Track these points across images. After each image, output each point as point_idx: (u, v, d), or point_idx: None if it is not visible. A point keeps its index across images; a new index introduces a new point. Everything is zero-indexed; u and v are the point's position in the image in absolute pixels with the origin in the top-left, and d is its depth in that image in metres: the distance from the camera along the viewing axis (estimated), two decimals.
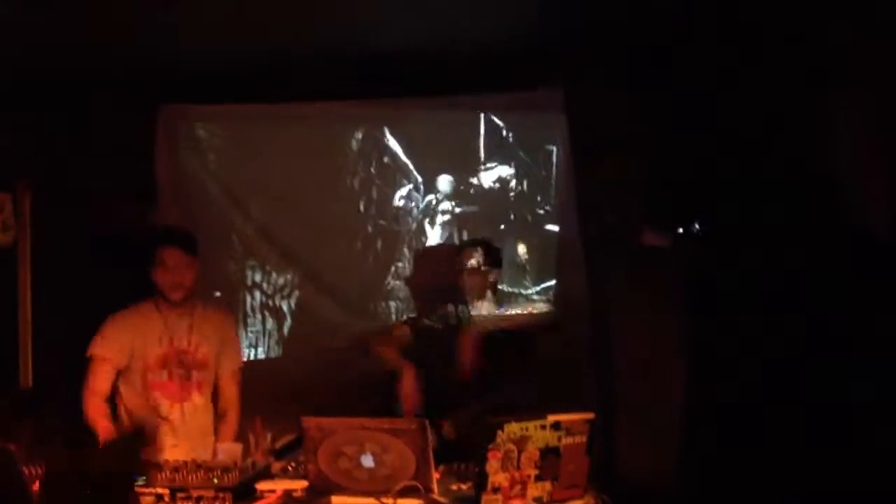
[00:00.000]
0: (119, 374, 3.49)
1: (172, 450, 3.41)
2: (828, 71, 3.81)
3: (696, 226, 4.00)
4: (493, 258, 4.07)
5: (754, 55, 3.91)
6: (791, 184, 3.81)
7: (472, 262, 4.00)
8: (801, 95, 3.88)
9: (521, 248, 4.66)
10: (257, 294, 4.64)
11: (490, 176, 4.67)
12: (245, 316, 4.63)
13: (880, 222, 3.51)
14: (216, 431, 3.59)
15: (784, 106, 3.86)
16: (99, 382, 3.44)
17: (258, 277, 4.64)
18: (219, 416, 3.62)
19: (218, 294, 4.53)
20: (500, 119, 4.63)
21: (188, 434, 3.52)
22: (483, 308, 4.03)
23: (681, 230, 4.16)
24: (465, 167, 4.67)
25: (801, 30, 3.78)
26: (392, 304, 4.63)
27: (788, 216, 3.76)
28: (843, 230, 3.72)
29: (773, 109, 3.87)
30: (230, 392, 3.65)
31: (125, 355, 3.48)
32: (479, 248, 4.04)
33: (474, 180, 4.66)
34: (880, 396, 3.29)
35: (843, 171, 3.76)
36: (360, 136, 4.68)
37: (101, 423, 3.34)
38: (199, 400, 3.56)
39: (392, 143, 4.67)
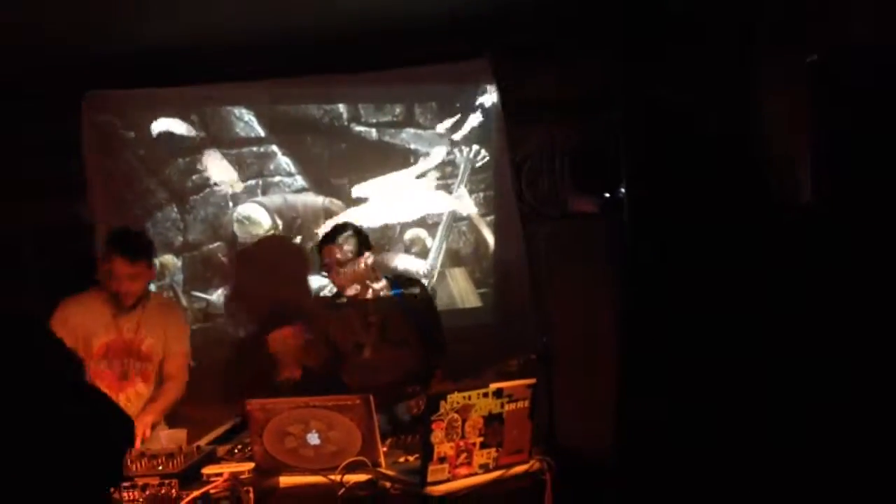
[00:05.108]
0: None
1: None
2: (754, 38, 3.91)
3: (625, 193, 4.06)
4: (362, 241, 3.69)
5: (683, 24, 3.98)
6: (717, 153, 3.90)
7: (344, 252, 3.61)
8: (727, 64, 3.96)
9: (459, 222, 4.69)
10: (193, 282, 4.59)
11: (422, 149, 4.67)
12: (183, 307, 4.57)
13: (802, 191, 3.61)
14: (151, 399, 3.58)
15: (711, 74, 3.94)
16: None
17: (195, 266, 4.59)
18: (158, 387, 3.63)
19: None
20: (428, 91, 4.63)
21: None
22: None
23: (610, 196, 4.23)
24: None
25: None
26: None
27: (715, 184, 3.85)
28: (768, 199, 3.83)
29: (701, 78, 3.95)
30: (174, 369, 3.65)
31: (73, 342, 3.37)
32: (346, 237, 3.64)
33: (406, 155, 4.66)
34: (808, 357, 3.39)
35: (768, 140, 3.87)
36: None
37: None
38: (143, 389, 3.59)
39: None
